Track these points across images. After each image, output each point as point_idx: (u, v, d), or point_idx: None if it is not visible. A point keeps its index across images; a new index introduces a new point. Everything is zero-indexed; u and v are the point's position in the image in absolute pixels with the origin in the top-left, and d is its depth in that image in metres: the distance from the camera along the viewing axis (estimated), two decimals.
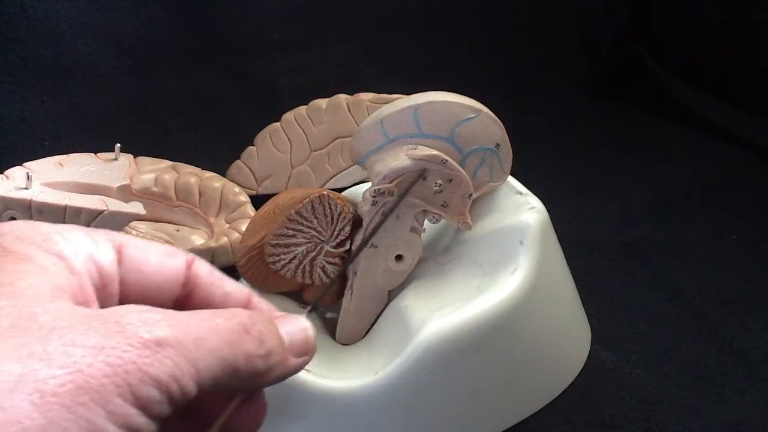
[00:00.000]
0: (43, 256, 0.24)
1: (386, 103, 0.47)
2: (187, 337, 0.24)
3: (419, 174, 0.40)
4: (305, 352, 0.28)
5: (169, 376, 0.23)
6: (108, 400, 0.21)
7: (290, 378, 0.28)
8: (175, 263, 0.28)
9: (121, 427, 0.22)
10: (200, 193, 0.60)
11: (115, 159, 0.61)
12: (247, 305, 0.29)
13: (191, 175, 0.61)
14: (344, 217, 0.41)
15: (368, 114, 0.58)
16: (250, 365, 0.25)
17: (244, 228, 0.53)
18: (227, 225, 0.58)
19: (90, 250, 0.26)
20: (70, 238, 0.26)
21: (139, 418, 0.22)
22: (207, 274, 0.29)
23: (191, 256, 0.29)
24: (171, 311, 0.24)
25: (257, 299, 0.29)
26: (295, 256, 0.41)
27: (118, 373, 0.22)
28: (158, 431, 0.23)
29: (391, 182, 0.40)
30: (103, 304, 0.26)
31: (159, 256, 0.28)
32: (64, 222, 0.52)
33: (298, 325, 0.28)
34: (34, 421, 0.20)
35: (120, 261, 0.27)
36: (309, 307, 0.31)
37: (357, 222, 0.42)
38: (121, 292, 0.27)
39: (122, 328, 0.23)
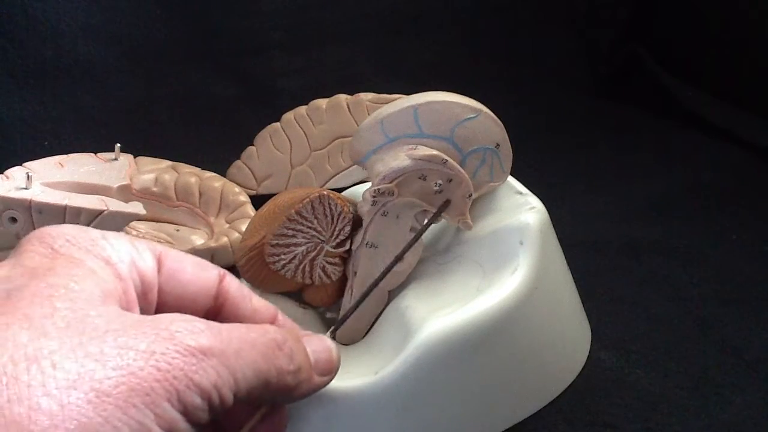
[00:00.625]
0: (92, 260, 0.25)
1: (386, 103, 0.47)
2: (229, 349, 0.25)
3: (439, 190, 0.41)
4: (329, 371, 0.29)
5: (211, 384, 0.24)
6: (157, 404, 0.22)
7: None
8: (208, 275, 0.29)
9: (166, 430, 0.22)
10: (200, 193, 0.60)
11: (115, 159, 0.61)
12: (273, 322, 0.30)
13: (191, 175, 0.61)
14: (344, 217, 0.41)
15: (368, 114, 0.58)
16: (281, 380, 0.27)
17: (244, 228, 0.53)
18: (227, 225, 0.58)
19: (134, 257, 0.27)
20: (115, 245, 0.27)
21: (182, 424, 0.23)
22: (237, 288, 0.30)
23: (223, 270, 0.30)
24: (212, 322, 0.25)
25: (282, 317, 0.31)
26: (295, 256, 0.41)
27: (167, 378, 0.23)
28: None
29: (391, 182, 0.40)
30: (144, 310, 0.27)
31: (194, 268, 0.29)
32: (64, 222, 0.52)
33: (322, 345, 0.30)
34: (91, 420, 0.21)
35: (159, 270, 0.28)
36: (333, 328, 0.32)
37: (357, 222, 0.42)
38: (159, 299, 0.28)
39: (171, 335, 0.24)
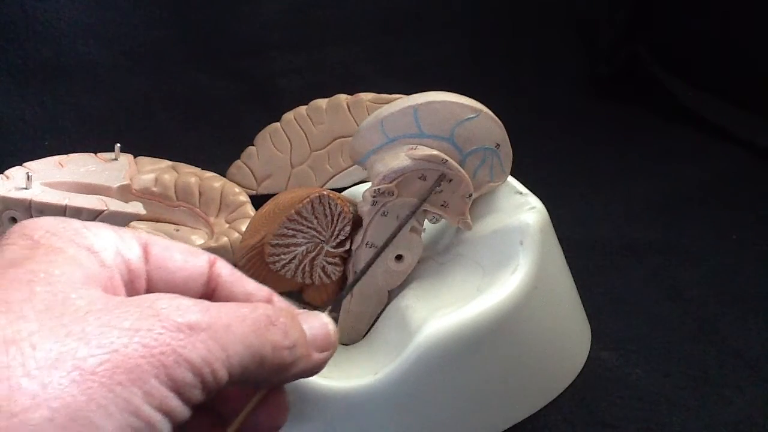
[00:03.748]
0: (74, 248, 0.25)
1: (386, 103, 0.47)
2: (218, 323, 0.24)
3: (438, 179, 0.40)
4: (327, 347, 0.28)
5: (202, 359, 0.23)
6: (144, 380, 0.22)
7: None
8: (198, 262, 0.28)
9: (156, 408, 0.22)
10: (200, 193, 0.60)
11: (115, 159, 0.61)
12: (268, 302, 0.29)
13: (191, 175, 0.61)
14: (344, 217, 0.41)
15: (368, 114, 0.58)
16: (277, 355, 0.26)
17: (244, 228, 0.53)
18: (227, 225, 0.58)
19: (118, 245, 0.26)
20: (99, 234, 0.26)
21: (173, 401, 0.22)
22: (229, 273, 0.29)
23: (213, 256, 0.29)
24: (200, 300, 0.25)
25: (278, 298, 0.30)
26: (295, 256, 0.41)
27: (153, 354, 0.22)
28: (189, 419, 0.23)
29: (391, 182, 0.40)
30: None
31: (183, 255, 0.28)
32: None
33: (318, 321, 0.29)
34: (75, 398, 0.20)
35: (146, 258, 0.27)
36: (330, 307, 0.31)
37: (357, 222, 0.42)
38: (148, 288, 0.27)
39: (156, 311, 0.23)
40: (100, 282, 0.25)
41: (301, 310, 0.29)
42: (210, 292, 0.29)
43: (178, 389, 0.22)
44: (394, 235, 0.40)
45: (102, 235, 0.26)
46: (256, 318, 0.25)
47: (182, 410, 0.23)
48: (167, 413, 0.22)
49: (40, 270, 0.23)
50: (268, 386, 0.28)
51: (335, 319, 0.30)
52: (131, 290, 0.27)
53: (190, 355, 0.23)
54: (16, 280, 0.23)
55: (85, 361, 0.21)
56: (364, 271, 0.36)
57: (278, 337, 0.26)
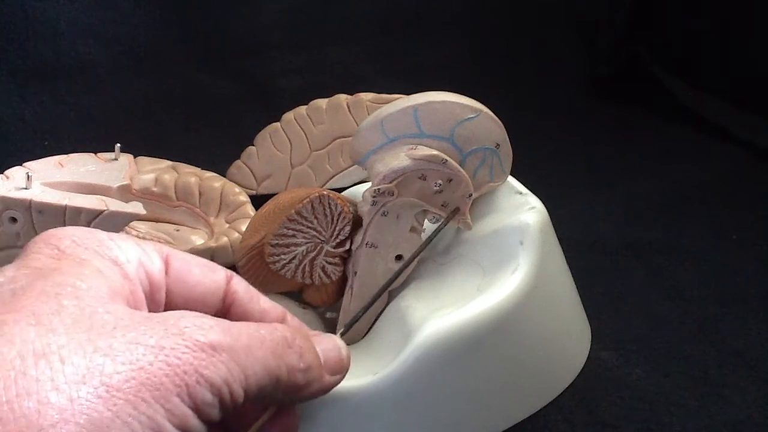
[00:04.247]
0: (99, 260, 0.25)
1: (386, 103, 0.47)
2: (238, 344, 0.24)
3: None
4: (339, 371, 0.29)
5: (222, 379, 0.23)
6: (167, 398, 0.22)
7: None
8: (216, 277, 0.29)
9: (177, 426, 0.22)
10: (200, 193, 0.60)
11: (115, 159, 0.61)
12: (282, 322, 0.30)
13: (191, 175, 0.61)
14: (344, 217, 0.41)
15: (368, 114, 0.58)
16: (292, 378, 0.26)
17: (244, 228, 0.53)
18: (227, 225, 0.58)
19: (141, 258, 0.27)
20: (122, 246, 0.27)
21: (193, 419, 0.23)
22: (245, 290, 0.30)
23: (230, 272, 0.30)
24: (221, 319, 0.25)
25: (290, 317, 0.30)
26: (295, 256, 0.41)
27: (177, 373, 0.22)
28: None
29: (391, 182, 0.40)
30: (152, 311, 0.27)
31: (201, 269, 0.29)
32: (64, 222, 0.52)
33: (332, 344, 0.29)
34: (101, 414, 0.21)
35: (167, 271, 0.28)
36: (343, 329, 0.31)
37: (357, 222, 0.42)
38: (167, 301, 0.28)
39: (180, 330, 0.23)
40: (124, 295, 0.25)
41: (316, 332, 0.30)
42: (226, 307, 0.29)
43: (197, 408, 0.23)
44: (419, 252, 0.41)
45: (125, 247, 0.27)
46: (275, 340, 0.26)
47: (200, 429, 0.23)
48: (186, 431, 0.22)
49: (67, 283, 0.24)
50: (279, 404, 0.28)
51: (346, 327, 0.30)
52: (152, 302, 0.27)
53: (210, 375, 0.23)
54: (44, 293, 0.23)
55: (112, 378, 0.21)
56: (378, 295, 0.36)
57: (294, 360, 0.26)
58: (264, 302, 0.30)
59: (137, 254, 0.27)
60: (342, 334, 0.30)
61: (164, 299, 0.27)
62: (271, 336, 0.26)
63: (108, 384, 0.21)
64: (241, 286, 0.29)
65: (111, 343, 0.22)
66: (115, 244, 0.26)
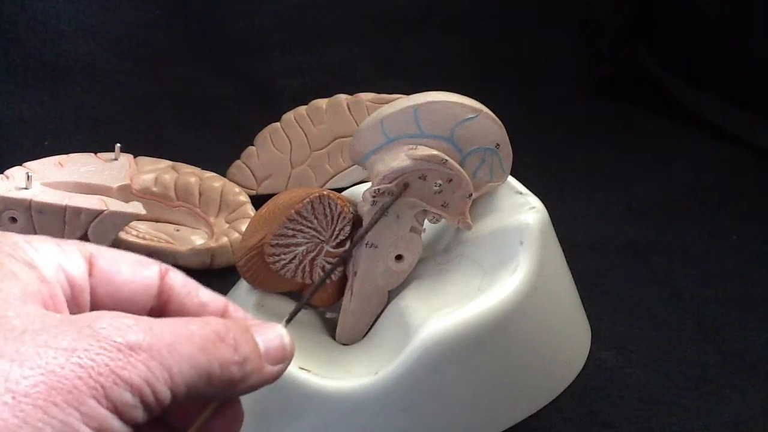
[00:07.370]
0: (13, 263, 0.24)
1: (386, 103, 0.47)
2: (160, 343, 0.23)
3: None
4: (281, 359, 0.28)
5: (142, 380, 0.23)
6: (81, 401, 0.21)
7: (290, 378, 0.27)
8: (148, 273, 0.28)
9: (95, 430, 0.21)
10: (200, 193, 0.60)
11: (115, 159, 0.61)
12: (223, 314, 0.29)
13: (191, 175, 0.61)
14: (344, 217, 0.41)
15: (368, 114, 0.58)
16: (225, 372, 0.25)
17: (244, 228, 0.53)
18: (227, 225, 0.58)
19: (60, 260, 0.26)
20: (39, 248, 0.25)
21: (113, 422, 0.22)
22: (181, 284, 0.28)
23: (165, 266, 0.28)
24: (143, 317, 0.24)
25: (233, 308, 0.29)
26: (295, 256, 0.41)
27: (91, 375, 0.22)
28: None
29: (391, 182, 0.40)
30: (75, 314, 0.26)
31: (131, 267, 0.27)
32: (64, 222, 0.52)
33: (274, 333, 0.28)
34: (7, 422, 0.20)
35: (91, 272, 0.27)
36: (287, 317, 0.31)
37: (357, 222, 0.42)
38: (93, 303, 0.27)
39: (94, 331, 0.22)
40: (40, 298, 0.24)
41: (256, 322, 0.28)
42: (162, 304, 0.28)
43: (117, 410, 0.22)
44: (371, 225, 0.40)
45: (42, 248, 0.26)
46: (204, 335, 0.25)
47: (123, 430, 0.22)
48: None
49: None
50: (220, 399, 0.27)
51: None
52: (74, 306, 0.26)
53: (128, 375, 0.22)
54: None
55: (18, 383, 0.20)
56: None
57: (227, 354, 0.25)
58: (203, 294, 0.29)
59: (55, 256, 0.26)
60: (287, 322, 0.30)
61: (89, 301, 0.26)
62: (201, 331, 0.25)
63: (14, 390, 0.20)
64: (177, 280, 0.28)
65: (18, 348, 0.21)
66: (31, 247, 0.25)
